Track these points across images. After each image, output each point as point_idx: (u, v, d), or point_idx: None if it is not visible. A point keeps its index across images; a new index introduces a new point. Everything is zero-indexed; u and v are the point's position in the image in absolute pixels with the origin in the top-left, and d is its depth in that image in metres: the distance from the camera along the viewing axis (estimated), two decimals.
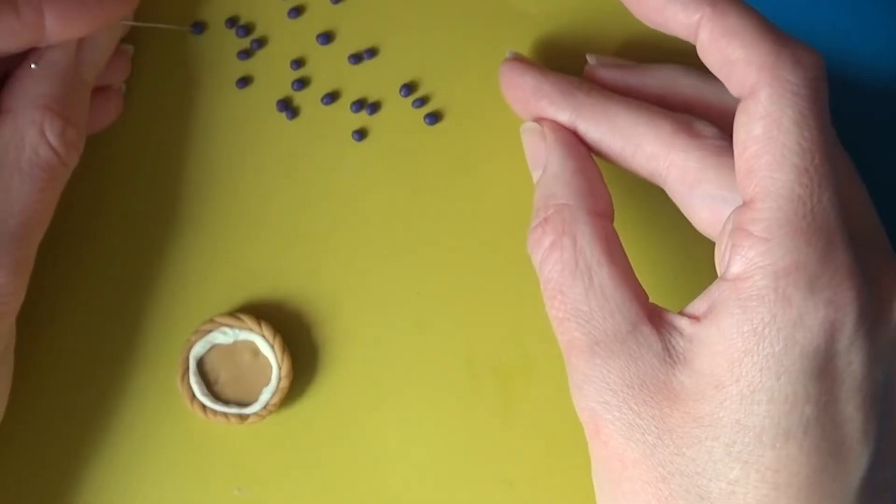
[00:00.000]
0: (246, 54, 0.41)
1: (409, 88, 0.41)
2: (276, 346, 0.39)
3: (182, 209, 0.41)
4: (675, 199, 0.35)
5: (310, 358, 0.40)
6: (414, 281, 0.41)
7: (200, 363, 0.39)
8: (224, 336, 0.39)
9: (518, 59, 0.39)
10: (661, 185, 0.35)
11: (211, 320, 0.39)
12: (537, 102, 0.37)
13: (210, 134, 0.41)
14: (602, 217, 0.34)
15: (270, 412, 0.39)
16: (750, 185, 0.31)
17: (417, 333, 0.40)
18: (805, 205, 0.30)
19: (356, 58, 0.41)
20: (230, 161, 0.41)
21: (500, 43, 0.41)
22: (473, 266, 0.41)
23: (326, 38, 0.41)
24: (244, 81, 0.41)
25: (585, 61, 0.41)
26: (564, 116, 0.36)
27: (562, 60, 0.41)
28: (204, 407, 0.39)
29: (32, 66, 0.35)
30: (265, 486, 0.40)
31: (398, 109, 0.41)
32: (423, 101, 0.41)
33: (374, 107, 0.41)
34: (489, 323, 0.41)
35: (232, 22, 0.41)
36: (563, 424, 0.40)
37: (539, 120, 0.37)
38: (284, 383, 0.39)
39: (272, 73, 0.41)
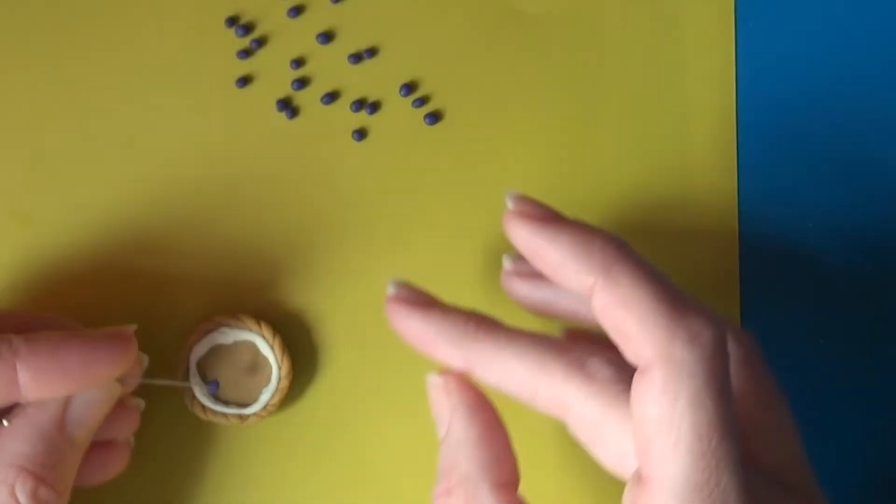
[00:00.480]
0: (246, 54, 0.41)
1: (409, 88, 0.41)
2: (276, 347, 0.39)
3: (182, 209, 0.40)
4: (577, 440, 0.33)
5: (309, 358, 0.40)
6: (414, 281, 0.41)
7: (200, 363, 0.39)
8: (224, 336, 0.39)
9: (401, 296, 0.35)
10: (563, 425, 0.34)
11: (211, 320, 0.39)
12: (426, 348, 0.35)
13: (210, 134, 0.41)
14: (506, 488, 0.33)
15: (270, 412, 0.39)
16: (647, 465, 0.30)
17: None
18: (702, 490, 0.29)
19: (356, 58, 0.41)
20: (230, 161, 0.41)
21: (500, 43, 0.41)
22: (473, 266, 0.41)
23: (326, 37, 0.41)
24: (244, 81, 0.41)
25: (584, 61, 0.41)
26: (456, 363, 0.34)
27: (561, 60, 0.42)
28: (204, 407, 0.39)
29: (4, 423, 0.34)
30: (265, 486, 0.40)
31: (398, 109, 0.41)
32: (423, 101, 0.41)
33: (374, 107, 0.41)
34: None
35: (232, 21, 0.41)
36: (562, 424, 0.40)
37: (444, 373, 0.34)
38: (284, 383, 0.39)
39: (272, 72, 0.41)
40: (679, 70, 0.42)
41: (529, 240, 0.32)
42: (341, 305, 0.41)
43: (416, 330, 0.34)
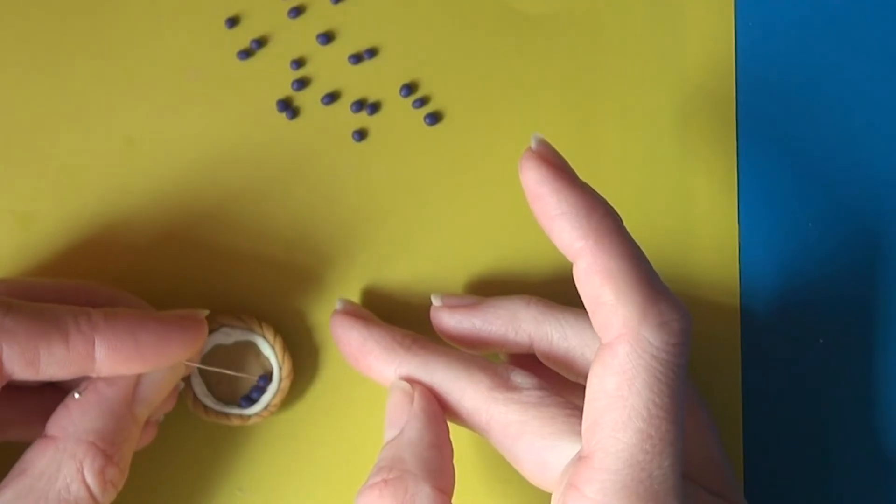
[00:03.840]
0: (246, 54, 0.41)
1: (409, 88, 0.41)
2: (277, 347, 0.39)
3: (182, 209, 0.40)
4: (501, 451, 0.35)
5: (310, 358, 0.40)
6: (414, 281, 0.41)
7: (202, 363, 0.39)
8: (225, 336, 0.39)
9: (346, 311, 0.38)
10: (486, 438, 0.35)
11: (213, 320, 0.39)
12: (364, 358, 0.37)
13: (210, 134, 0.41)
14: (444, 494, 0.33)
15: (272, 412, 0.39)
16: (592, 439, 0.30)
17: (418, 333, 0.40)
18: (644, 470, 0.30)
19: (356, 58, 0.41)
20: (230, 161, 0.41)
21: (500, 44, 0.41)
22: (473, 266, 0.41)
23: (326, 38, 0.41)
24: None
25: (584, 62, 0.41)
26: (389, 371, 0.36)
27: (561, 61, 0.42)
28: (206, 407, 0.39)
29: (76, 395, 0.35)
30: (266, 486, 0.40)
31: (398, 109, 0.41)
32: (423, 102, 0.41)
33: (374, 107, 0.41)
34: None
35: (232, 22, 0.41)
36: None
37: (410, 380, 0.36)
38: (285, 384, 0.39)
39: (272, 73, 0.41)
40: (679, 70, 0.42)
41: (539, 183, 0.32)
42: None
43: (357, 339, 0.37)
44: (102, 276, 0.40)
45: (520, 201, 0.41)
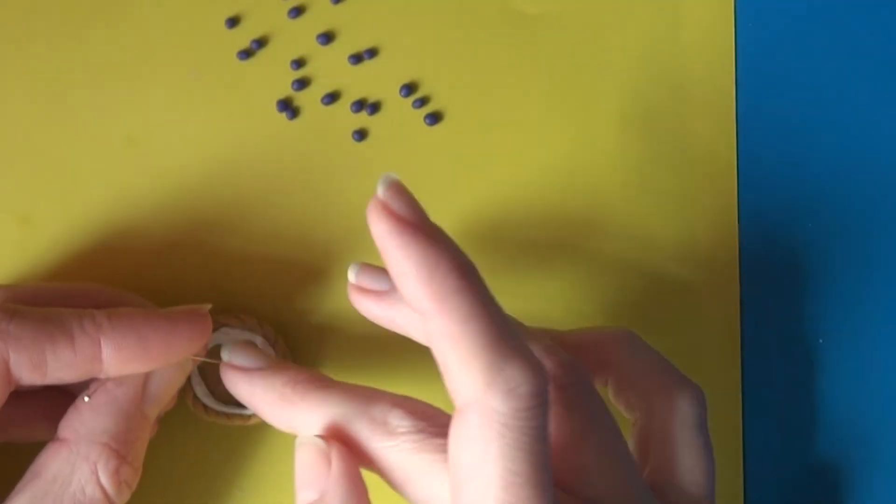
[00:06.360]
0: (246, 54, 0.41)
1: (409, 88, 0.41)
2: (278, 347, 0.39)
3: (182, 210, 0.41)
4: (393, 488, 0.34)
5: (311, 359, 0.40)
6: None
7: (201, 363, 0.39)
8: (225, 336, 0.39)
9: (233, 363, 0.36)
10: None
11: (213, 320, 0.39)
12: (256, 412, 0.36)
13: (210, 134, 0.41)
14: None
15: None
16: None
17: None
18: None
19: (356, 58, 0.41)
20: (230, 162, 0.41)
21: (499, 43, 0.41)
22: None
23: (326, 38, 0.41)
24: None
25: (584, 61, 0.41)
26: (282, 426, 0.35)
27: (561, 60, 0.42)
28: (206, 407, 0.39)
29: (85, 398, 0.35)
30: (266, 486, 0.40)
31: (398, 109, 0.41)
32: (423, 102, 0.41)
33: (374, 107, 0.41)
34: None
35: (232, 22, 0.41)
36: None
37: (327, 438, 0.34)
38: None
39: (272, 73, 0.41)
40: (679, 70, 0.42)
41: (382, 238, 0.30)
42: (342, 306, 0.41)
43: (243, 393, 0.36)
44: (102, 277, 0.40)
45: (520, 200, 0.41)
